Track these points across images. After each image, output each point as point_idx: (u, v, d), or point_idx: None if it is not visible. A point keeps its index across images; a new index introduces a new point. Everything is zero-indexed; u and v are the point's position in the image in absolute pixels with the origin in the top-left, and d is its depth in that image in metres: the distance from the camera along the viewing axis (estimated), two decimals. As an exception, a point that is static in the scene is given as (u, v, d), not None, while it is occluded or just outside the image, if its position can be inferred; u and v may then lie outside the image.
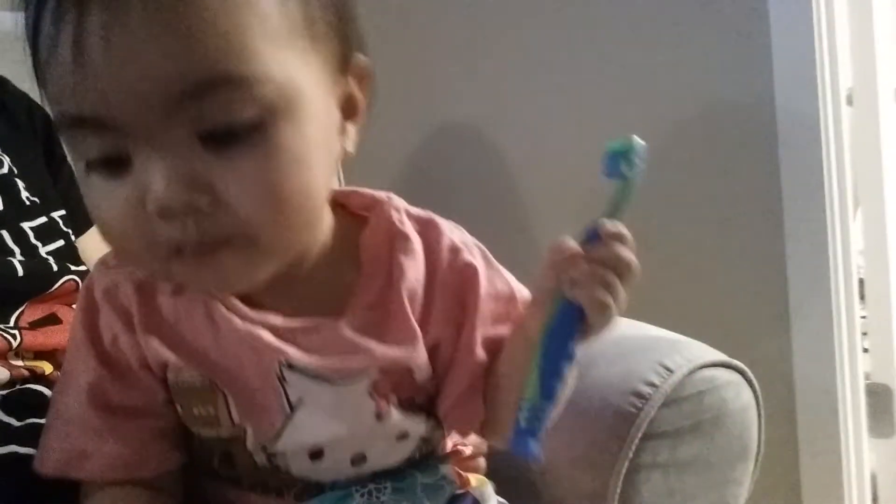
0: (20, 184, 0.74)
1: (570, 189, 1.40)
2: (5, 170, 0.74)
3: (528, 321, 0.47)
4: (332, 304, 0.50)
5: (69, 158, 0.50)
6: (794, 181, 1.22)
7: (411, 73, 1.57)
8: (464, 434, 0.57)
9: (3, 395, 0.61)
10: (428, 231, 0.52)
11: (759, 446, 0.79)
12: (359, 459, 0.52)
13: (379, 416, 0.51)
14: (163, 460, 0.53)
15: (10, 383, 0.63)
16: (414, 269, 0.51)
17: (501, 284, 0.53)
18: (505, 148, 1.50)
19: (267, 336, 0.49)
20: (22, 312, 0.68)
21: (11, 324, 0.66)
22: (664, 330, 0.83)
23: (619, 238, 0.43)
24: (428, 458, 0.55)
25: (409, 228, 0.51)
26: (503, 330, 0.52)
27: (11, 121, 0.79)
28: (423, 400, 0.53)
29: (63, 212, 0.76)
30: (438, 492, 0.53)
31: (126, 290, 0.51)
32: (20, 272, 0.67)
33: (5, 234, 0.69)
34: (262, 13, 0.40)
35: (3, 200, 0.71)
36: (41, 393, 0.63)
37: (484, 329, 0.51)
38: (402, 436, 0.53)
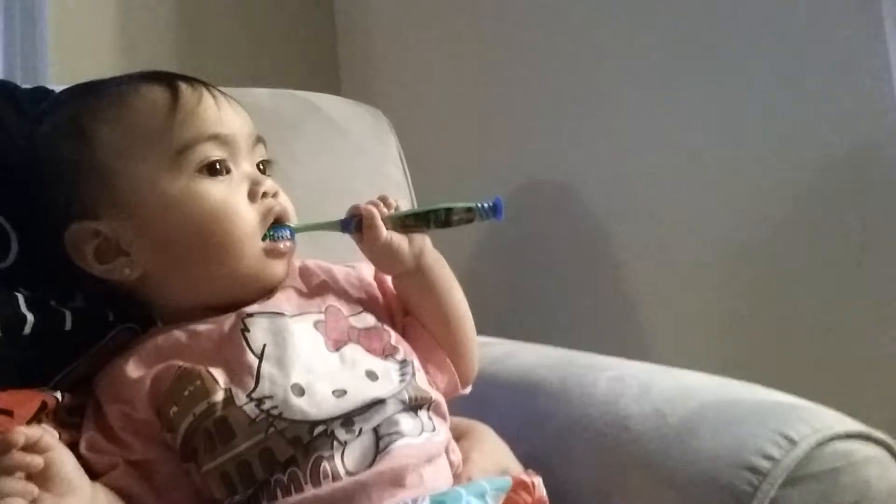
0: None
1: (666, 242, 1.38)
2: None
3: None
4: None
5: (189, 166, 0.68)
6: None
7: (499, 128, 1.57)
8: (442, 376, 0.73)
9: None
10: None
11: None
12: (340, 393, 0.63)
13: (335, 348, 0.67)
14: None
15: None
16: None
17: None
18: (598, 203, 1.48)
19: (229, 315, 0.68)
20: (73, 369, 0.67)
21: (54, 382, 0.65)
22: (784, 394, 0.74)
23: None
24: (421, 407, 0.67)
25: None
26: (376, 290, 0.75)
27: None
28: (389, 351, 0.69)
29: None
30: None
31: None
32: (68, 325, 0.66)
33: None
34: None
35: None
36: None
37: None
38: (372, 376, 0.65)
